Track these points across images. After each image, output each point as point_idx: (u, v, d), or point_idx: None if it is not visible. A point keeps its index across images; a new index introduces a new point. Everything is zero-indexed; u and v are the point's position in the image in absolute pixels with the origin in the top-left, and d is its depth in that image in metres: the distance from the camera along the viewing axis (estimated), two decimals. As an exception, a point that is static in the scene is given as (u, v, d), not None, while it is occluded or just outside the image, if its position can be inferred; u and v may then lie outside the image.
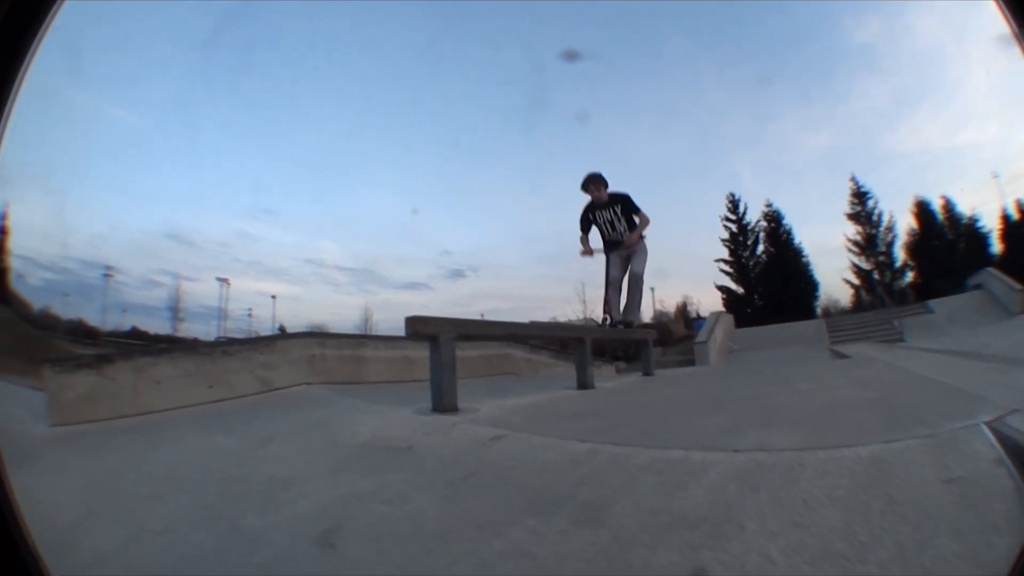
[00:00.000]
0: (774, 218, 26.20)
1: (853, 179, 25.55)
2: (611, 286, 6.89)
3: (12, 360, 8.64)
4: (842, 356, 9.31)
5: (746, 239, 26.35)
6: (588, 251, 6.98)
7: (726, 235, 26.70)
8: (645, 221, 6.73)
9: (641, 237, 6.73)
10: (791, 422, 2.98)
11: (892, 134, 31.61)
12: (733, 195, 26.75)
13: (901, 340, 13.34)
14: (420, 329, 4.03)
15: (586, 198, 6.91)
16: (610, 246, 6.90)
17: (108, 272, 17.94)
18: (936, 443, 2.16)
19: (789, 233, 25.98)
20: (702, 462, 2.23)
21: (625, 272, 6.88)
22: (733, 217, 26.62)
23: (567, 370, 9.50)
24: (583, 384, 5.74)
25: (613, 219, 6.74)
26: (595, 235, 7.05)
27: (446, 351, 4.03)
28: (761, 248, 26.26)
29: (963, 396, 3.25)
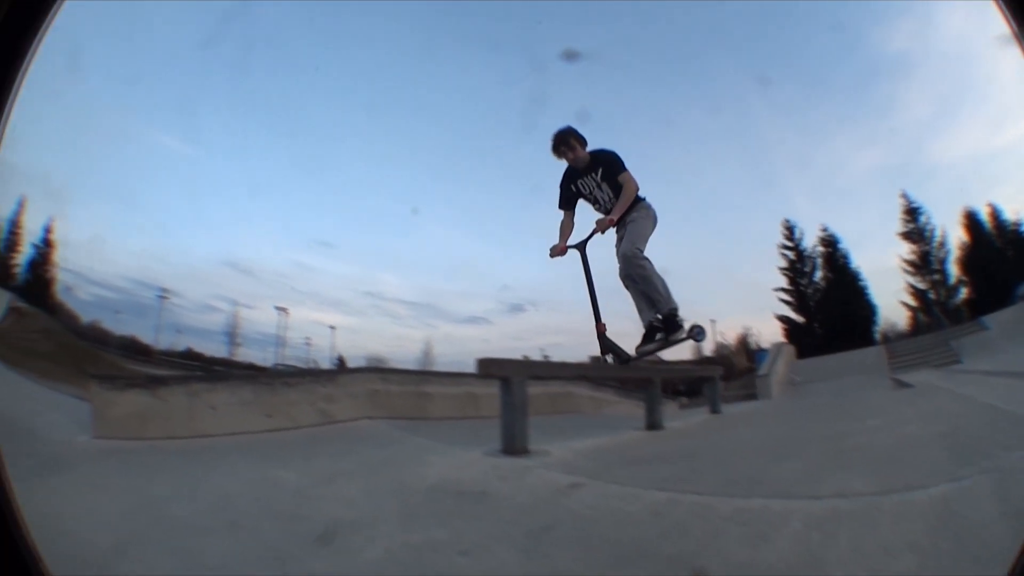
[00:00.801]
0: (830, 242, 25.47)
1: (904, 195, 24.55)
2: (629, 288, 4.55)
3: (57, 368, 8.92)
4: (904, 385, 9.18)
5: (804, 266, 25.73)
6: (561, 248, 4.46)
7: (784, 263, 26.10)
8: (629, 189, 4.37)
9: (622, 217, 4.37)
10: (864, 463, 3.02)
11: (936, 144, 30.37)
12: (788, 221, 26.10)
13: (958, 362, 12.91)
14: (492, 371, 4.11)
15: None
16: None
17: (163, 294, 18.78)
18: (998, 477, 2.27)
19: (846, 257, 25.23)
20: (783, 511, 2.26)
21: None
22: (790, 244, 26.00)
23: (631, 408, 9.42)
24: (652, 425, 5.67)
25: (593, 188, 4.55)
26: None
27: (518, 393, 4.06)
28: (819, 275, 25.62)
29: (1021, 423, 3.36)
